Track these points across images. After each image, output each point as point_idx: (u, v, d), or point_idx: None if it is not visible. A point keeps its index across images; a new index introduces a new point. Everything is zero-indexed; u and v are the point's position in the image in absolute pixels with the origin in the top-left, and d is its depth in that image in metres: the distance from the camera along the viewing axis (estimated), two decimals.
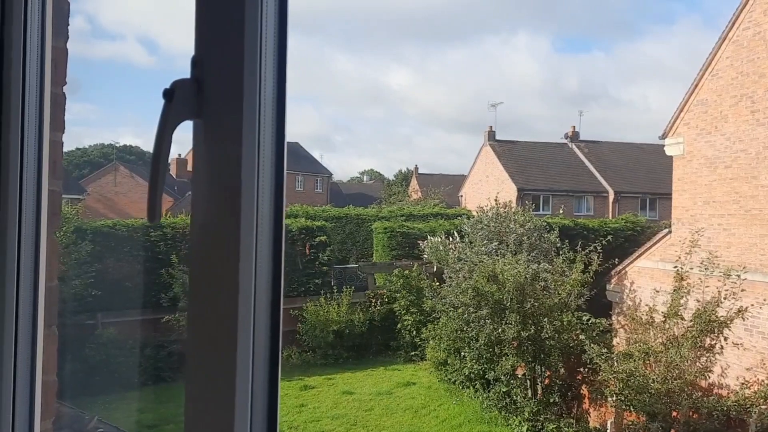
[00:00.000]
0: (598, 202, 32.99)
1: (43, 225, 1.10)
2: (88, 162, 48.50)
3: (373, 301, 16.52)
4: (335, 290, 16.24)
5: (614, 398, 9.52)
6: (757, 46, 11.56)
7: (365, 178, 72.42)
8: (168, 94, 0.82)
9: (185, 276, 14.07)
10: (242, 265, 0.80)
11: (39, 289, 1.07)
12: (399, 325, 15.70)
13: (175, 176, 39.23)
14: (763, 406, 8.45)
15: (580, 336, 10.53)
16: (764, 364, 10.82)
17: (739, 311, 9.35)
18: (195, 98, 0.82)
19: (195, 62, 0.83)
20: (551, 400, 11.07)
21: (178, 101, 0.82)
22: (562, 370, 11.25)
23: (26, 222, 1.08)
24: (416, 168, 49.36)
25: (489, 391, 11.90)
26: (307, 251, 16.99)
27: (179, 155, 41.31)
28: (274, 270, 0.85)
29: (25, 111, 1.09)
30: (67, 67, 1.24)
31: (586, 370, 10.66)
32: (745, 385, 9.06)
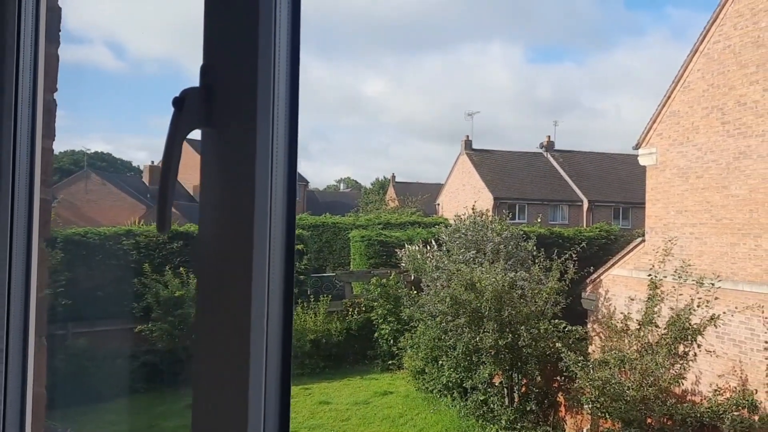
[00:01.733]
0: (572, 211, 33.41)
1: (35, 234, 1.07)
2: (58, 169, 47.63)
3: (351, 309, 16.43)
4: (312, 299, 16.13)
5: (590, 405, 9.58)
6: (727, 59, 11.84)
7: (342, 186, 72.31)
8: (178, 102, 0.80)
9: (158, 285, 13.86)
10: (255, 276, 0.79)
11: (30, 299, 1.03)
12: (376, 334, 15.64)
13: (148, 184, 38.68)
14: (735, 413, 8.58)
15: (557, 344, 10.60)
16: (735, 371, 11.02)
17: (712, 319, 9.51)
18: (205, 107, 0.80)
19: (204, 70, 0.81)
20: (528, 408, 11.11)
21: (188, 110, 0.81)
22: (539, 378, 11.31)
23: (17, 231, 1.04)
24: (393, 176, 49.45)
25: (466, 400, 11.90)
26: None
27: (152, 162, 40.78)
28: (286, 282, 0.83)
29: (18, 117, 1.06)
30: (58, 73, 1.21)
31: (563, 377, 10.73)
32: (717, 392, 9.20)
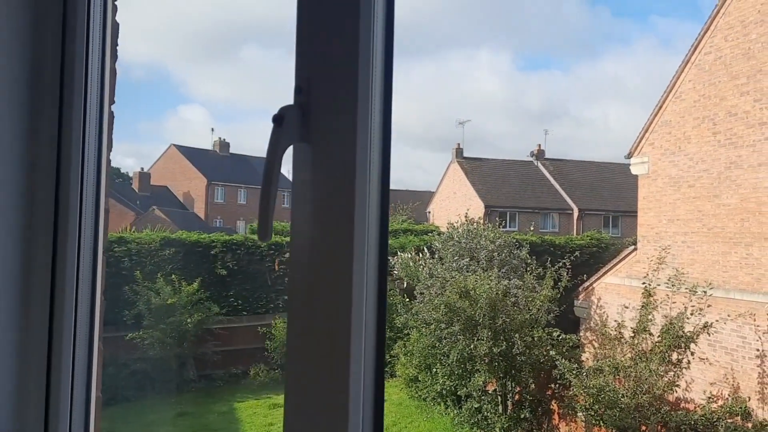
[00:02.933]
0: (563, 219, 33.59)
1: (100, 241, 1.07)
2: None
3: None
4: None
5: (584, 413, 9.61)
6: (718, 70, 11.99)
7: None
8: (277, 119, 0.84)
9: (150, 293, 13.76)
10: (355, 285, 0.81)
11: (96, 304, 1.03)
12: None
13: (137, 191, 38.49)
14: (729, 420, 8.63)
15: (551, 352, 10.63)
16: (727, 378, 11.09)
17: (705, 326, 9.58)
18: (301, 124, 0.83)
19: (299, 89, 0.85)
20: (522, 416, 11.12)
21: (287, 126, 0.84)
22: (533, 386, 11.32)
23: (85, 238, 1.05)
24: None
25: (460, 408, 11.88)
26: (277, 267, 16.80)
27: (141, 169, 40.59)
28: (380, 290, 0.85)
29: (86, 130, 1.07)
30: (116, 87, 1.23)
31: (557, 385, 10.75)
32: (711, 399, 9.25)
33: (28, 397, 0.99)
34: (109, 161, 1.17)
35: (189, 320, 13.80)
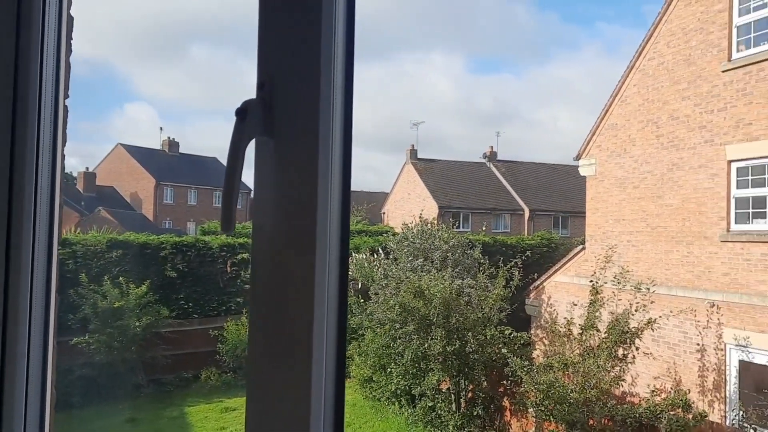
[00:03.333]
0: (514, 219, 34.23)
1: (55, 237, 1.04)
2: None
3: None
4: None
5: (535, 409, 9.81)
6: (660, 75, 12.45)
7: None
8: (240, 113, 0.85)
9: (96, 296, 13.33)
10: (317, 281, 0.82)
11: (51, 301, 1.00)
12: None
13: (82, 191, 37.23)
14: (671, 413, 8.97)
15: (503, 349, 10.82)
16: (670, 372, 11.53)
17: (649, 322, 9.93)
18: (264, 118, 0.84)
19: (262, 84, 0.86)
20: (475, 413, 11.28)
21: (251, 120, 0.84)
22: (485, 383, 11.50)
23: (40, 234, 1.01)
24: None
25: (414, 407, 11.97)
26: (228, 269, 16.54)
27: (87, 168, 39.29)
28: (341, 287, 0.86)
29: (41, 124, 1.04)
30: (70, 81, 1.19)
31: (508, 382, 10.94)
32: (655, 393, 9.60)
33: None
34: (63, 156, 1.14)
35: (137, 324, 13.44)
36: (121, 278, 13.88)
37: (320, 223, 0.84)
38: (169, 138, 42.97)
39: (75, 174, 39.12)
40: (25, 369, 0.97)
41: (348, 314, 11.95)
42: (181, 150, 43.46)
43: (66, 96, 1.13)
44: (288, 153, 0.86)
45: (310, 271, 0.84)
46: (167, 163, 40.59)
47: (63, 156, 1.12)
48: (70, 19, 1.14)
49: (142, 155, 40.38)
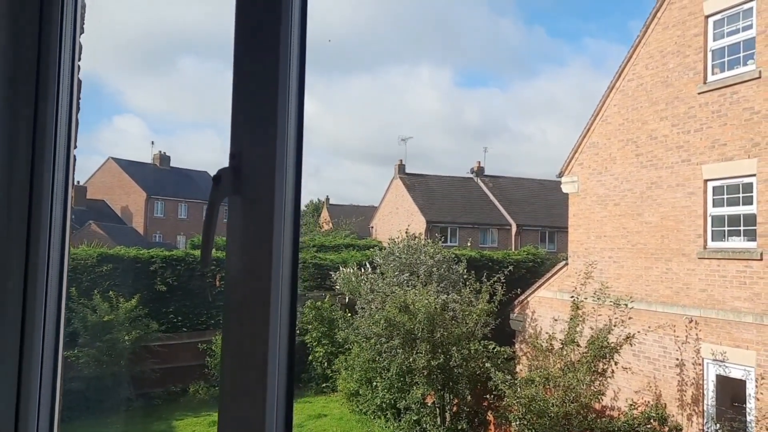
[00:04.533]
0: (501, 234, 34.55)
1: (67, 246, 1.25)
2: None
3: None
4: None
5: (517, 422, 10.01)
6: (639, 96, 12.83)
7: None
8: (217, 179, 1.12)
9: (86, 310, 13.43)
10: (272, 309, 1.06)
11: (61, 311, 1.21)
12: (311, 357, 15.66)
13: (73, 204, 37.12)
14: (647, 426, 9.21)
15: (486, 364, 11.03)
16: (650, 386, 11.77)
17: (628, 337, 10.18)
18: (234, 181, 1.11)
19: (233, 155, 1.12)
20: (459, 427, 11.45)
21: (224, 183, 1.11)
22: (470, 397, 11.69)
23: (54, 244, 1.21)
24: (327, 199, 49.63)
25: (400, 420, 12.13)
26: (217, 283, 16.65)
27: (77, 182, 39.27)
28: (291, 311, 1.10)
29: (57, 142, 1.25)
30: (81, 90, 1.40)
31: (492, 396, 11.14)
32: (633, 406, 9.83)
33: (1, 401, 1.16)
34: (74, 170, 1.33)
35: (127, 337, 13.54)
36: (111, 292, 13.99)
37: (275, 257, 1.10)
38: (160, 152, 43.10)
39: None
40: (38, 376, 1.17)
41: (333, 329, 12.16)
42: (172, 164, 43.57)
43: (77, 110, 1.33)
44: (252, 206, 1.12)
45: (266, 295, 1.09)
46: (158, 177, 40.68)
47: (74, 170, 1.32)
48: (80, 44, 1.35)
49: (134, 169, 40.46)
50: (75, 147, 1.42)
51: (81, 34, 1.40)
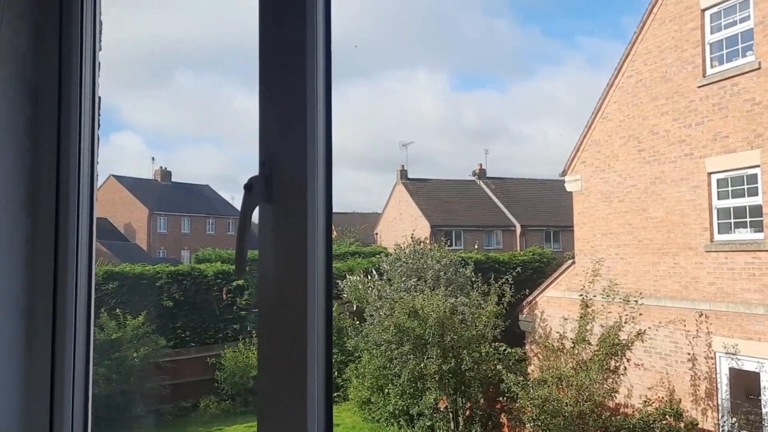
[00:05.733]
0: (506, 235, 34.49)
1: (93, 256, 1.25)
2: None
3: None
4: (254, 335, 15.97)
5: (531, 424, 9.95)
6: (639, 92, 12.83)
7: None
8: (248, 187, 1.11)
9: (94, 329, 13.42)
10: (309, 317, 1.05)
11: (91, 319, 1.22)
12: None
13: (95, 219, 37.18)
14: (663, 422, 9.15)
15: (498, 366, 10.98)
16: (663, 382, 11.71)
17: (639, 334, 10.14)
18: (265, 189, 1.10)
19: (263, 163, 1.12)
20: (473, 431, 11.39)
21: (255, 191, 1.10)
22: (482, 401, 11.63)
23: (81, 257, 1.21)
24: None
25: (413, 426, 12.06)
26: (224, 296, 16.65)
27: None
28: (327, 317, 1.09)
29: (81, 153, 1.25)
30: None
31: (505, 398, 11.08)
32: (647, 403, 9.77)
33: (35, 404, 1.16)
34: (96, 190, 1.34)
35: (135, 355, 13.52)
36: (117, 310, 13.98)
37: (309, 264, 1.09)
38: (161, 168, 43.16)
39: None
40: (71, 394, 1.17)
41: (343, 338, 12.13)
42: (173, 179, 43.63)
43: (98, 126, 1.34)
44: (284, 215, 1.11)
45: (303, 303, 1.08)
46: (160, 193, 40.72)
47: (96, 190, 1.33)
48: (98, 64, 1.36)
49: (135, 186, 40.52)
50: (98, 163, 1.42)
51: (99, 50, 1.41)
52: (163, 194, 40.06)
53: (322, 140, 1.11)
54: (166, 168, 42.99)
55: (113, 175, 41.47)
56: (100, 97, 1.44)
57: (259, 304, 1.13)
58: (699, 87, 11.46)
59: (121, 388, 13.45)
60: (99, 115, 1.44)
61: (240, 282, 16.98)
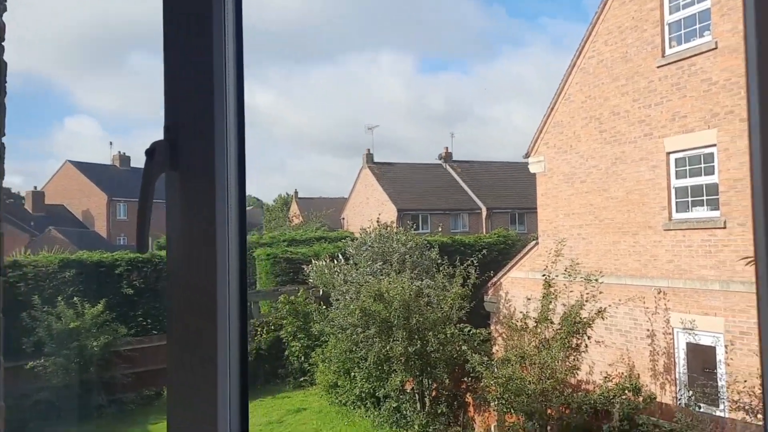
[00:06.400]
0: (472, 218, 34.73)
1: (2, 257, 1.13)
2: None
3: (259, 329, 16.21)
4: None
5: (496, 402, 10.06)
6: (601, 73, 12.92)
7: None
8: (150, 153, 1.02)
9: (50, 318, 13.03)
10: (219, 300, 0.95)
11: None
12: (287, 352, 15.51)
13: (31, 211, 36.16)
14: (623, 397, 9.34)
15: (463, 347, 11.05)
16: (623, 358, 11.95)
17: (599, 312, 10.30)
18: (170, 156, 1.01)
19: (168, 127, 1.03)
20: (439, 411, 11.48)
21: (158, 158, 1.01)
22: (448, 381, 11.70)
23: None
24: (296, 192, 49.18)
25: (380, 409, 12.10)
26: None
27: (35, 188, 38.22)
28: (241, 296, 0.98)
29: None
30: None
31: (470, 378, 11.17)
32: (608, 379, 9.96)
33: None
34: (2, 174, 1.22)
35: (95, 344, 13.20)
36: (75, 298, 13.61)
37: (219, 240, 0.99)
38: (120, 153, 42.12)
39: (22, 194, 37.93)
40: None
41: (308, 323, 12.02)
42: (133, 164, 42.62)
43: (3, 134, 1.22)
44: (190, 183, 1.03)
45: (212, 283, 0.98)
46: (119, 178, 39.74)
47: (2, 174, 1.20)
48: (2, 25, 1.23)
49: (92, 171, 39.47)
50: (3, 135, 1.29)
51: (3, 12, 1.27)
52: (123, 180, 39.09)
53: (233, 108, 1.04)
54: (124, 153, 41.98)
55: (69, 161, 40.33)
56: (6, 62, 1.30)
57: (168, 286, 1.04)
58: (658, 67, 11.59)
59: (81, 378, 13.14)
60: (5, 82, 1.29)
61: None
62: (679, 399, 10.53)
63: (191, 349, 1.00)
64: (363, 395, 12.40)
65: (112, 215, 37.86)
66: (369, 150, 36.43)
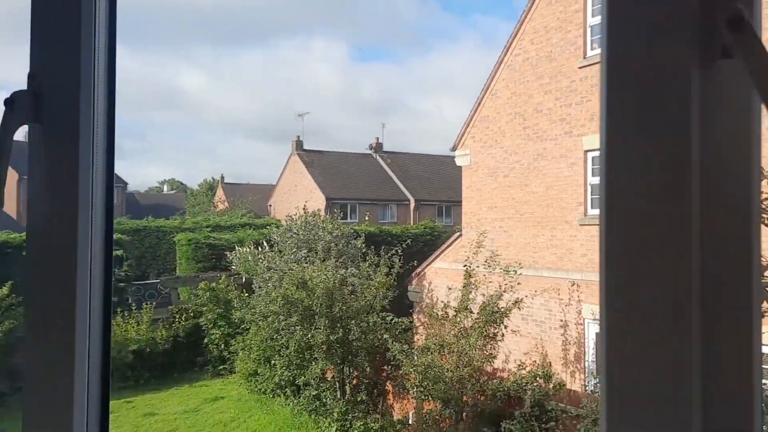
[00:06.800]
0: (400, 209, 35.05)
1: None
2: None
3: (178, 316, 15.75)
4: (134, 308, 15.21)
5: (414, 390, 10.21)
6: (526, 71, 13.27)
7: (165, 188, 68.14)
8: (8, 102, 0.95)
9: None
10: (80, 267, 0.89)
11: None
12: (206, 340, 15.16)
13: None
14: (535, 384, 9.70)
15: (384, 335, 11.14)
16: (538, 347, 12.41)
17: (516, 302, 10.63)
18: (33, 106, 0.94)
19: (32, 76, 0.96)
20: (359, 399, 11.53)
21: (18, 109, 0.94)
22: (369, 370, 11.78)
23: None
24: (222, 177, 47.97)
25: (299, 397, 12.04)
26: None
27: None
28: (106, 267, 0.92)
29: None
30: None
31: (390, 367, 11.29)
32: (521, 367, 10.31)
33: None
34: None
35: None
36: None
37: (82, 199, 0.92)
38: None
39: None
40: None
41: (229, 310, 11.75)
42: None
43: None
44: (54, 136, 0.95)
45: (72, 248, 0.91)
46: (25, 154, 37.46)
47: None
48: None
49: None
50: None
51: None
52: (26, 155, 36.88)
53: (103, 64, 0.97)
54: None
55: None
56: None
57: (27, 253, 0.95)
58: (580, 68, 12.02)
59: None
60: None
61: (118, 252, 16.05)
62: (587, 386, 11.04)
63: (47, 331, 0.92)
64: (283, 383, 12.29)
65: (23, 195, 35.73)
66: (299, 137, 36.01)
